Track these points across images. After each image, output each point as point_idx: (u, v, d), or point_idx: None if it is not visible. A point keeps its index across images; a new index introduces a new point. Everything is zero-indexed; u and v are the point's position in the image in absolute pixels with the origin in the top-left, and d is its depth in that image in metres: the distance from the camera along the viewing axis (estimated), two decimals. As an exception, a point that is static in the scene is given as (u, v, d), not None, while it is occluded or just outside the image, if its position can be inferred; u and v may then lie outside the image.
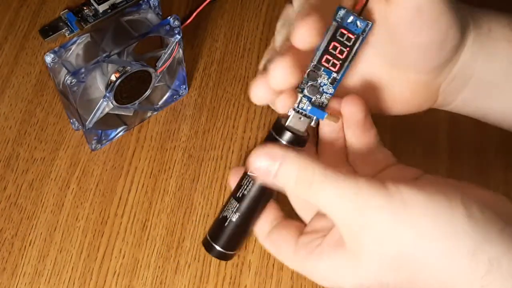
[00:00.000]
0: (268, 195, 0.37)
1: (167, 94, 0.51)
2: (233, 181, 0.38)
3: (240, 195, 0.37)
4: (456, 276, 0.29)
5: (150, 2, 0.46)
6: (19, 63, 0.54)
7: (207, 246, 0.39)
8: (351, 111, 0.36)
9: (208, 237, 0.39)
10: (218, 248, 0.38)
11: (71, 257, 0.45)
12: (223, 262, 0.45)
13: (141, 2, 0.46)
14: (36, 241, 0.45)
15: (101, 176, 0.48)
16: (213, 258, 0.45)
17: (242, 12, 0.58)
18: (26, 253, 0.45)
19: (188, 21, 0.53)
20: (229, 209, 0.37)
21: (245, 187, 0.37)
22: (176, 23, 0.45)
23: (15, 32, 0.55)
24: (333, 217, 0.32)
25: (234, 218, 0.37)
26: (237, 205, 0.37)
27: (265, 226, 0.37)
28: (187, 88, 0.52)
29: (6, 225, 0.46)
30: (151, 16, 0.47)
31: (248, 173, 0.36)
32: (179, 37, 0.46)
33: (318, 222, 0.36)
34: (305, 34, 0.30)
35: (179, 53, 0.48)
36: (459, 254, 0.29)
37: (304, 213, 0.37)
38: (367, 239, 0.30)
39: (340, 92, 0.36)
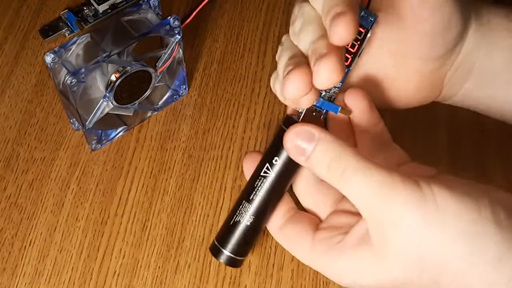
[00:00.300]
0: (281, 193, 0.37)
1: (167, 94, 0.51)
2: (247, 167, 0.37)
3: (253, 197, 0.36)
4: (479, 282, 0.29)
5: (150, 2, 0.46)
6: (19, 63, 0.54)
7: (216, 252, 0.38)
8: (354, 103, 0.36)
9: (216, 243, 0.38)
10: (229, 254, 0.37)
11: (71, 257, 0.45)
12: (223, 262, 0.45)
13: (141, 2, 0.46)
14: (36, 241, 0.45)
15: (101, 176, 0.48)
16: (214, 258, 0.45)
17: (242, 12, 0.58)
18: (26, 253, 0.45)
19: (188, 20, 0.53)
20: (242, 213, 0.36)
21: (259, 188, 0.36)
22: (176, 23, 0.45)
23: (15, 32, 0.55)
24: (362, 209, 0.31)
25: (249, 221, 0.36)
26: (251, 208, 0.36)
27: (278, 219, 0.37)
28: (187, 88, 0.52)
29: (6, 225, 0.46)
30: (151, 16, 0.47)
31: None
32: (179, 37, 0.46)
33: (337, 219, 0.35)
34: (344, 32, 0.30)
35: (179, 53, 0.48)
36: (484, 260, 0.29)
37: (317, 210, 0.37)
38: (394, 235, 0.30)
39: (345, 88, 0.36)
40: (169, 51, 0.47)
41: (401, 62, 0.37)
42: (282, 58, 0.34)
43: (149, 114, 0.51)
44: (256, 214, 0.36)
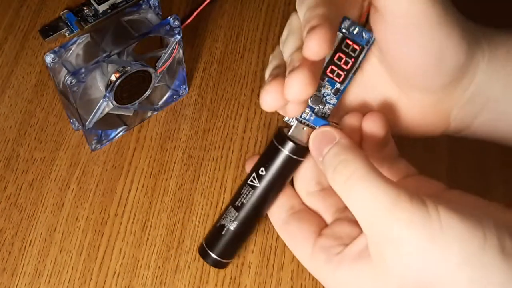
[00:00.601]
0: (268, 204, 0.37)
1: (167, 94, 0.51)
2: (249, 167, 0.37)
3: (239, 204, 0.36)
4: None
5: (150, 2, 0.46)
6: (19, 63, 0.54)
7: (203, 253, 0.39)
8: (373, 128, 0.35)
9: (204, 245, 0.39)
10: (214, 256, 0.38)
11: (71, 257, 0.45)
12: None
13: (141, 2, 0.46)
14: (36, 241, 0.45)
15: (101, 176, 0.48)
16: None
17: (242, 12, 0.58)
18: (26, 253, 0.45)
19: (188, 21, 0.53)
20: (227, 217, 0.37)
21: (245, 195, 0.36)
22: (176, 23, 0.45)
23: (15, 32, 0.55)
24: (362, 221, 0.30)
25: (232, 227, 0.37)
26: (236, 214, 0.36)
27: (282, 212, 0.36)
28: (187, 88, 0.52)
29: (6, 225, 0.46)
30: (151, 16, 0.47)
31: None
32: (179, 37, 0.46)
33: (339, 227, 0.35)
34: (316, 46, 0.29)
35: (179, 53, 0.48)
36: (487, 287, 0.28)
37: (321, 213, 0.37)
38: (394, 253, 0.29)
39: (348, 110, 0.36)
40: (169, 51, 0.47)
41: (401, 91, 0.36)
42: (268, 68, 0.34)
43: (149, 114, 0.51)
44: (240, 220, 0.37)
